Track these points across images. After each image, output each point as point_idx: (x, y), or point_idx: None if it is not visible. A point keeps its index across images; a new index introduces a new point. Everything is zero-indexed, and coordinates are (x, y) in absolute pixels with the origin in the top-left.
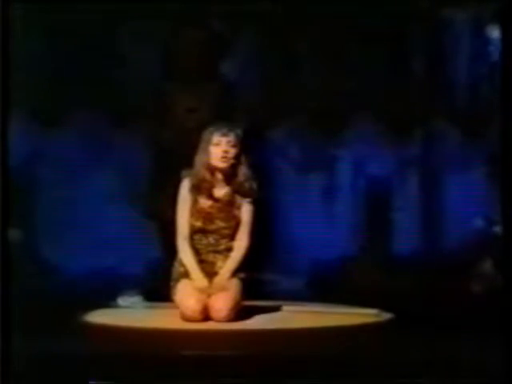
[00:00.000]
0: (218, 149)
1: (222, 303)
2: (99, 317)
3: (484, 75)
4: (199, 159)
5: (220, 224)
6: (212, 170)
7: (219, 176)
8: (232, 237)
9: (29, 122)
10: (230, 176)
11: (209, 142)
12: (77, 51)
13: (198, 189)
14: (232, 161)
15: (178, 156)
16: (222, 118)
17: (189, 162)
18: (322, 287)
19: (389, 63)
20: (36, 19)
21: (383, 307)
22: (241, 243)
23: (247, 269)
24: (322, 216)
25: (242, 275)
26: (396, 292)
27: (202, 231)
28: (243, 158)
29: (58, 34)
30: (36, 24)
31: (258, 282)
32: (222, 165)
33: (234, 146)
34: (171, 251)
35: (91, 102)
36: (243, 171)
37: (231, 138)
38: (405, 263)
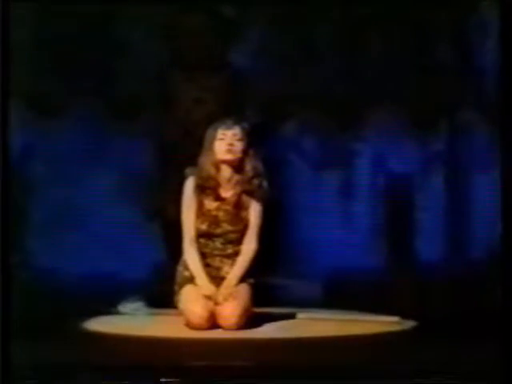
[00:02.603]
0: (223, 142)
1: (230, 310)
2: (99, 324)
3: None
4: (204, 157)
5: (227, 228)
6: (218, 166)
7: (226, 173)
8: (240, 241)
9: (28, 116)
10: (237, 172)
11: (214, 138)
12: (79, 40)
13: (203, 189)
14: (239, 155)
15: (184, 151)
16: (231, 110)
17: (195, 158)
18: (339, 293)
19: (411, 50)
20: (35, 9)
21: (405, 314)
22: (249, 246)
23: (257, 273)
24: (338, 216)
25: (251, 280)
26: (419, 298)
27: (208, 235)
28: (252, 152)
29: (59, 21)
30: (36, 14)
31: (269, 288)
32: (227, 156)
33: (240, 139)
34: (175, 254)
35: (93, 93)
36: (252, 165)
37: (237, 130)
38: (428, 268)
